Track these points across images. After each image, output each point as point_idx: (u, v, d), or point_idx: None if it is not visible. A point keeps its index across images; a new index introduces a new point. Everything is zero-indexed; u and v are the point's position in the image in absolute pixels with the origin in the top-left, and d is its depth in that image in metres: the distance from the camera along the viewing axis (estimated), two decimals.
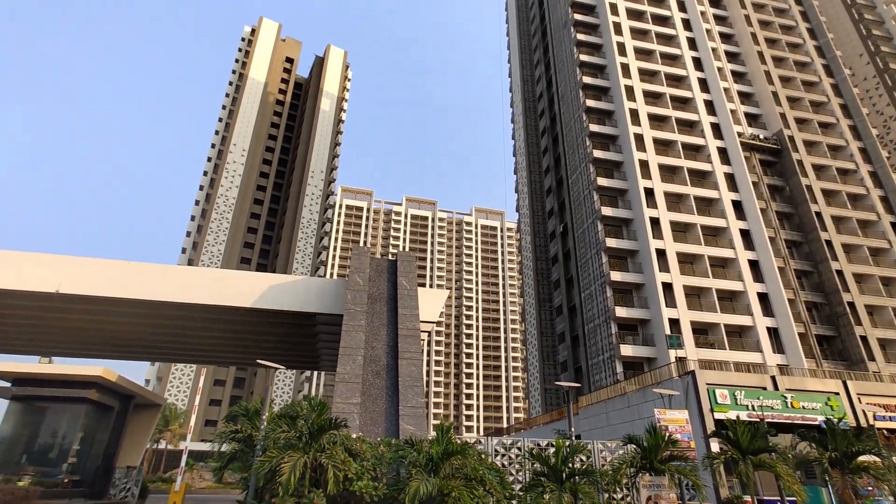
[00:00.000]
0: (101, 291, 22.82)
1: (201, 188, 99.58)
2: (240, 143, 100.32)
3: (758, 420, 17.24)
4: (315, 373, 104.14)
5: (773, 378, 21.68)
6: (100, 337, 28.96)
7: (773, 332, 41.06)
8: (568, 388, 18.32)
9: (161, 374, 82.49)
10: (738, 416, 18.25)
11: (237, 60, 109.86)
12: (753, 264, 43.49)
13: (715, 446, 17.11)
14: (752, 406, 19.70)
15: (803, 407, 20.26)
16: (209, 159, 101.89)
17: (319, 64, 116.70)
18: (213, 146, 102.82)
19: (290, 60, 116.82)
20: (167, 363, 74.47)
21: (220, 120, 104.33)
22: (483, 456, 13.41)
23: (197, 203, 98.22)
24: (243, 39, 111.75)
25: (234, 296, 23.98)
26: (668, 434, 12.95)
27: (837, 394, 21.25)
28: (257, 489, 11.64)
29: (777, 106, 53.03)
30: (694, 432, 18.84)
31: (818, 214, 47.02)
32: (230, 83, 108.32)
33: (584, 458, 17.79)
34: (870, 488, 14.45)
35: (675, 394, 16.81)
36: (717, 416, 19.44)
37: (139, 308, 25.00)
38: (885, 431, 20.19)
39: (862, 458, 13.20)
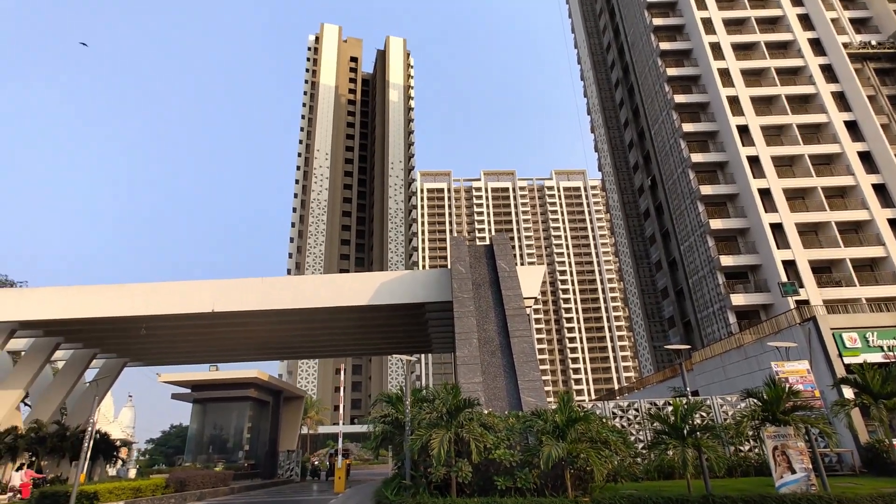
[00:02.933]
0: (245, 306, 26.81)
1: (295, 196, 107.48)
2: (322, 147, 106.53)
3: (892, 361, 16.45)
4: (422, 356, 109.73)
5: None
6: (247, 343, 33.81)
7: None
8: (681, 346, 18.70)
9: (290, 368, 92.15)
10: (865, 360, 17.53)
11: (307, 70, 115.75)
12: (879, 188, 39.10)
13: (849, 393, 16.72)
14: (890, 346, 18.65)
15: None
16: (298, 168, 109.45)
17: (382, 57, 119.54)
18: (299, 155, 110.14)
19: (354, 59, 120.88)
20: (295, 359, 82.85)
21: (302, 129, 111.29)
22: (603, 420, 14.53)
23: (294, 210, 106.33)
24: (309, 48, 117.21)
25: (351, 296, 26.89)
26: (788, 385, 13.13)
27: None
28: (413, 461, 13.81)
29: (890, 2, 46.18)
30: (821, 380, 18.39)
31: None
32: (305, 93, 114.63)
33: (704, 413, 18.25)
34: None
35: (791, 345, 16.54)
36: (848, 360, 18.67)
37: (275, 316, 28.89)
38: None
39: None
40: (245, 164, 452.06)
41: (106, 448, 32.92)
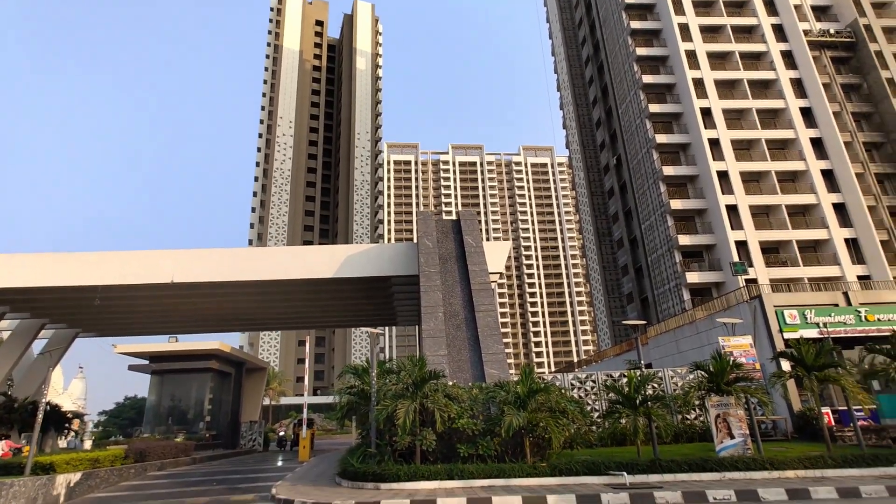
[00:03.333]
0: (206, 277, 26.14)
1: (257, 164, 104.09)
2: (286, 115, 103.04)
3: (825, 336, 17.74)
4: (387, 328, 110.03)
5: (845, 294, 21.66)
6: (208, 314, 33.08)
7: (852, 243, 39.34)
8: (638, 321, 19.53)
9: (252, 340, 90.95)
10: (802, 335, 18.85)
11: (269, 32, 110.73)
12: (827, 174, 41.16)
13: (786, 365, 17.91)
14: (824, 324, 20.05)
15: (878, 319, 20.33)
16: (260, 135, 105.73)
17: (349, 22, 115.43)
18: (261, 122, 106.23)
19: (319, 23, 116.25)
20: (257, 331, 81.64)
21: (264, 95, 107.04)
22: (562, 391, 15.17)
23: (256, 179, 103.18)
24: (272, 9, 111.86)
25: (316, 269, 26.61)
26: (732, 359, 14.03)
27: None
28: (378, 431, 14.10)
29: None
30: (764, 354, 19.68)
31: None
32: (267, 56, 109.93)
33: (655, 385, 19.27)
34: None
35: (737, 321, 17.60)
36: (788, 335, 20.00)
37: (237, 287, 28.32)
38: None
39: None
40: (206, 130, 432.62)
41: (57, 420, 31.84)
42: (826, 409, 18.13)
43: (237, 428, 34.99)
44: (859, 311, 20.48)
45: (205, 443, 28.66)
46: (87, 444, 22.59)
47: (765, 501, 10.38)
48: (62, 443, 34.85)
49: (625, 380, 16.04)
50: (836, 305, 21.14)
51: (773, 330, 20.12)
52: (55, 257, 25.64)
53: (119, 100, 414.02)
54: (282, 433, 37.27)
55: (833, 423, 17.66)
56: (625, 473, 11.91)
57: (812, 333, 19.77)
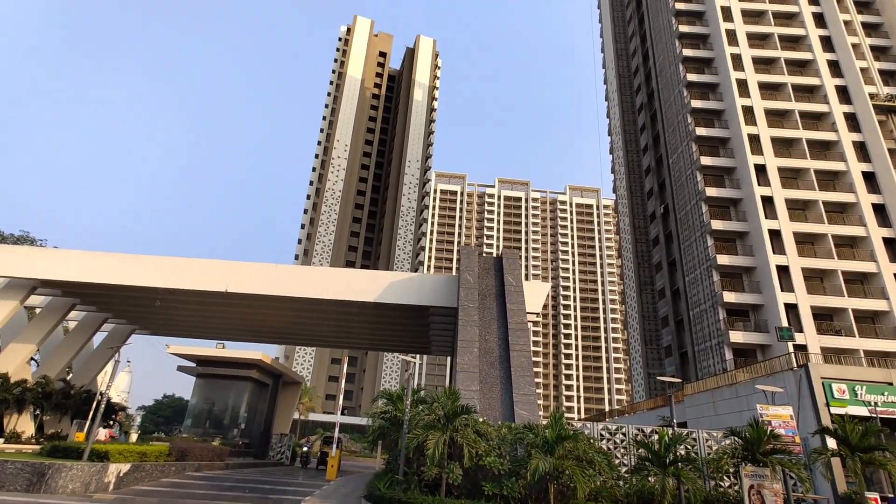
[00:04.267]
0: (257, 290, 27.71)
1: (311, 183, 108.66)
2: (342, 138, 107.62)
3: (873, 416, 16.96)
4: (418, 356, 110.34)
5: None
6: (253, 324, 34.74)
7: None
8: (673, 378, 19.31)
9: (287, 352, 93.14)
10: (849, 412, 18.09)
11: (335, 60, 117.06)
12: (890, 242, 39.42)
13: (832, 443, 17.23)
14: (876, 402, 19.14)
15: None
16: (316, 156, 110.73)
17: (410, 55, 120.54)
18: (318, 143, 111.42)
19: (382, 54, 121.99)
20: (296, 345, 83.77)
21: (324, 118, 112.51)
22: (591, 440, 15.21)
23: (308, 198, 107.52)
24: (340, 39, 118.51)
25: (360, 292, 27.71)
26: (770, 429, 13.75)
27: None
28: (407, 459, 14.57)
29: None
30: (807, 427, 18.92)
31: None
32: (331, 83, 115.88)
33: (688, 446, 18.85)
34: None
35: (777, 390, 17.11)
36: (834, 410, 19.18)
37: (284, 302, 29.78)
38: None
39: None
40: (269, 147, 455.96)
41: (106, 411, 34.01)
42: (874, 495, 17.21)
43: (268, 439, 36.05)
44: None
45: (237, 449, 29.73)
46: (133, 437, 24.04)
47: None
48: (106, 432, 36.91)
49: (656, 437, 15.88)
50: (891, 384, 20.15)
51: (819, 403, 19.36)
52: (125, 258, 27.89)
53: (193, 116, 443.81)
54: (305, 449, 36.44)
55: None
56: None
57: (861, 411, 18.89)
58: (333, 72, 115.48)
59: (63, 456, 15.51)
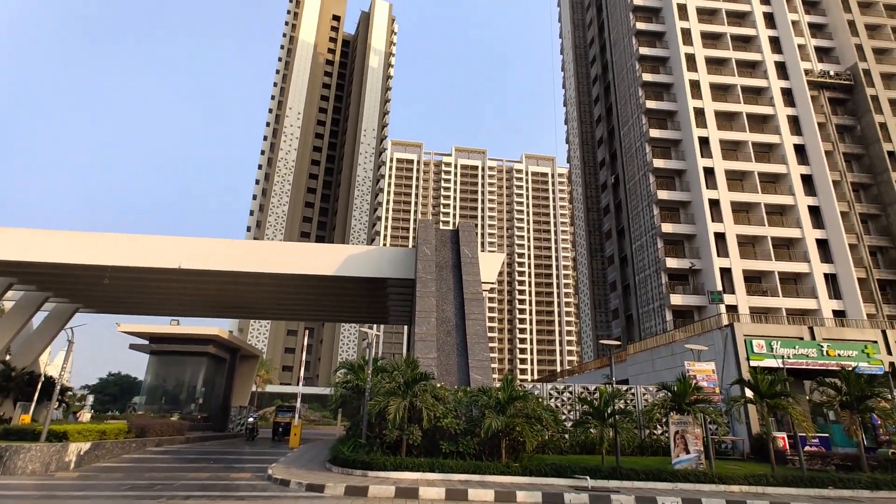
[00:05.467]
0: (212, 265, 27.32)
1: (262, 153, 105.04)
2: (295, 105, 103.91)
3: (780, 367, 19.12)
4: (376, 326, 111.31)
5: (810, 328, 23.12)
6: (208, 300, 34.26)
7: (831, 279, 40.96)
8: (614, 341, 20.88)
9: (242, 325, 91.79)
10: (767, 364, 20.29)
11: (286, 23, 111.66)
12: (814, 210, 42.80)
13: (749, 392, 19.25)
14: (788, 355, 21.48)
15: (839, 355, 21.79)
16: (268, 124, 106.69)
17: (366, 20, 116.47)
18: (270, 111, 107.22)
19: (336, 18, 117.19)
20: (253, 319, 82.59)
21: (276, 84, 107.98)
22: (539, 399, 16.50)
23: (260, 167, 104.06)
24: (291, 0, 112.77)
25: (319, 265, 27.87)
26: (695, 382, 15.41)
27: (875, 342, 22.52)
28: (369, 423, 15.39)
29: (853, 36, 49.40)
30: (730, 379, 21.09)
31: (891, 154, 44.82)
32: (282, 47, 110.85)
33: (627, 400, 20.67)
34: (879, 423, 16.64)
35: (703, 348, 18.99)
36: (754, 363, 21.42)
37: (240, 277, 29.52)
38: None
39: (870, 401, 15.17)
40: (216, 114, 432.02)
41: (51, 391, 33.09)
42: (782, 434, 19.59)
43: (227, 412, 36.20)
44: (822, 346, 21.96)
45: (196, 424, 29.81)
46: (86, 417, 23.71)
47: None
48: (57, 413, 35.96)
49: (598, 394, 17.39)
50: (801, 339, 22.61)
51: (741, 357, 21.56)
52: (70, 235, 26.73)
53: (132, 80, 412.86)
54: (252, 419, 31.76)
55: (787, 448, 19.10)
56: (588, 478, 13.25)
57: (777, 363, 21.19)
58: (284, 35, 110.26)
59: (17, 438, 15.37)
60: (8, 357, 34.20)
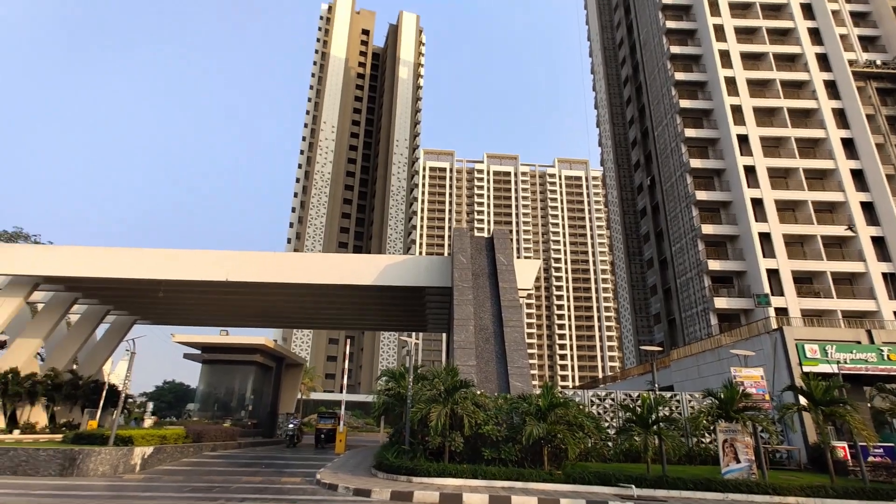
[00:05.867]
0: (257, 277, 28.53)
1: (300, 166, 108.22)
2: (329, 119, 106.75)
3: (836, 373, 18.31)
4: (415, 334, 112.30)
5: (868, 332, 22.05)
6: (253, 311, 35.68)
7: (890, 278, 38.81)
8: (656, 347, 20.55)
9: (286, 335, 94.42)
10: (821, 370, 19.53)
11: (318, 40, 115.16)
12: (867, 206, 40.74)
13: (803, 399, 18.60)
14: (845, 360, 20.59)
15: None
16: (304, 138, 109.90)
17: (394, 32, 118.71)
18: (305, 126, 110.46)
19: (365, 32, 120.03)
20: (296, 328, 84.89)
21: (310, 100, 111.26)
22: (581, 406, 16.47)
23: (298, 181, 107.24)
24: (321, 18, 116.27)
25: (358, 275, 28.65)
26: (742, 388, 15.04)
27: None
28: (412, 430, 15.75)
29: None
30: (781, 385, 20.36)
31: None
32: (314, 63, 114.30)
33: (672, 407, 20.28)
34: None
35: (749, 353, 18.44)
36: (807, 369, 20.61)
37: (283, 288, 30.67)
38: None
39: None
40: (255, 132, 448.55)
41: (116, 399, 35.11)
42: (842, 444, 18.74)
43: (275, 418, 37.48)
44: (881, 350, 20.92)
45: (247, 430, 31.01)
46: (148, 423, 25.13)
47: None
48: (120, 420, 38.12)
49: (640, 400, 17.18)
50: (859, 343, 21.59)
51: (792, 363, 20.80)
52: (126, 252, 28.48)
53: (175, 101, 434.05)
54: (292, 426, 31.14)
55: (848, 458, 18.25)
56: (633, 486, 13.15)
57: (832, 369, 20.33)
58: (316, 52, 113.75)
59: (87, 443, 16.52)
60: (75, 367, 36.56)
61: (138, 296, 32.61)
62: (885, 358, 20.89)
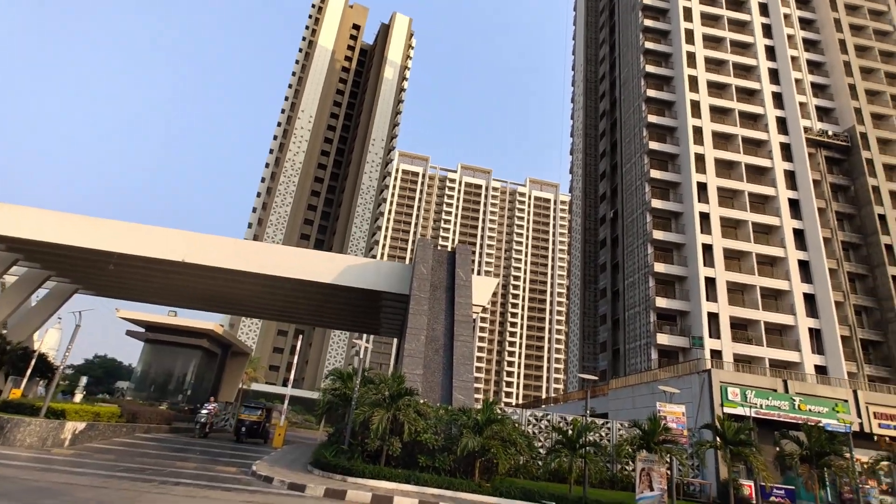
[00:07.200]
0: (215, 262, 28.17)
1: (271, 151, 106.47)
2: (307, 109, 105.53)
3: (754, 417, 19.92)
4: (365, 337, 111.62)
5: (784, 381, 24.00)
6: (207, 294, 34.99)
7: (815, 333, 41.85)
8: (592, 375, 21.64)
9: (233, 321, 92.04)
10: (737, 413, 21.13)
11: (307, 27, 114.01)
12: (804, 264, 43.85)
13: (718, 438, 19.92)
14: (761, 405, 22.30)
15: (810, 410, 22.60)
16: (279, 124, 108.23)
17: (385, 31, 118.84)
18: (282, 111, 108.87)
19: (356, 27, 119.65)
20: (246, 317, 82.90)
21: (290, 86, 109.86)
22: (517, 424, 17.27)
23: (267, 166, 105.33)
24: (313, 6, 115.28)
25: (317, 272, 28.73)
26: (664, 423, 16.22)
27: (846, 401, 23.35)
28: (353, 431, 16.11)
29: (853, 100, 51.12)
30: (703, 423, 21.85)
31: (882, 217, 46.11)
32: (300, 49, 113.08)
33: (602, 434, 21.40)
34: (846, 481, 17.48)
35: (675, 391, 19.81)
36: (728, 410, 22.24)
37: (240, 276, 30.32)
38: (887, 438, 22.28)
39: (829, 457, 15.96)
40: (227, 112, 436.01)
41: (45, 369, 33.62)
42: (749, 483, 20.30)
43: None
44: (794, 400, 22.78)
45: (182, 415, 30.32)
46: (78, 398, 24.28)
47: None
48: (41, 390, 36.42)
49: (572, 425, 18.14)
50: (775, 391, 23.43)
51: (715, 403, 22.36)
52: (78, 219, 27.56)
53: (147, 75, 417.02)
54: (204, 411, 26.67)
55: (753, 496, 19.78)
56: None
57: (751, 413, 21.97)
58: (304, 39, 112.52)
59: (15, 412, 16.00)
60: (4, 331, 34.76)
61: (86, 265, 31.50)
62: (796, 407, 22.75)
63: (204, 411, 26.04)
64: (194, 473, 13.67)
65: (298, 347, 33.14)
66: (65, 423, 15.73)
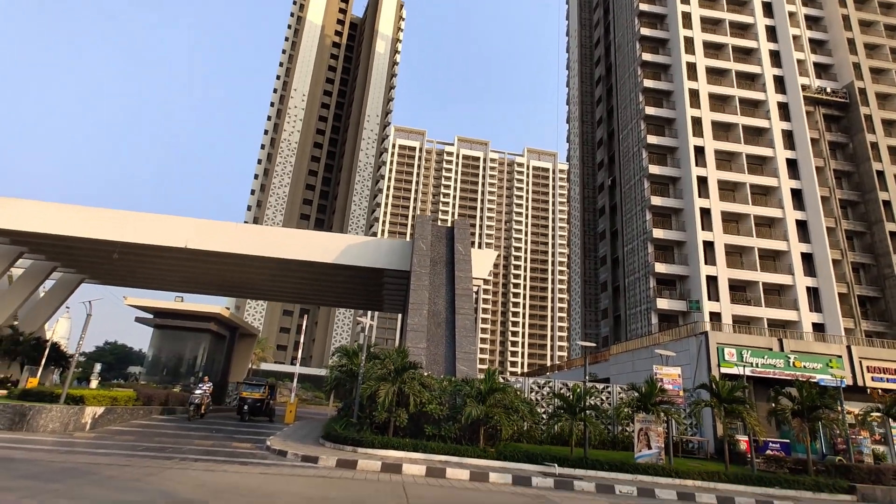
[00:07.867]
0: (217, 247, 28.50)
1: (266, 132, 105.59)
2: (300, 87, 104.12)
3: (751, 376, 20.56)
4: (370, 314, 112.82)
5: (780, 340, 24.58)
6: (212, 279, 35.45)
7: (813, 292, 42.35)
8: (590, 343, 22.22)
9: (239, 303, 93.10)
10: (734, 372, 21.78)
11: (294, 2, 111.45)
12: (802, 224, 44.08)
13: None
14: (757, 364, 22.93)
15: (805, 367, 23.24)
16: (272, 104, 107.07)
17: (374, 4, 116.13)
18: (275, 91, 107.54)
19: (345, 0, 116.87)
20: (252, 299, 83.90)
21: (281, 65, 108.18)
22: (519, 392, 17.91)
23: (262, 147, 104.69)
24: None
25: (319, 252, 29.10)
26: (661, 384, 16.82)
27: (840, 357, 23.99)
28: (360, 405, 16.76)
29: (852, 55, 50.34)
30: (699, 384, 22.52)
31: (880, 174, 46.09)
32: (289, 26, 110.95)
33: (603, 398, 22.12)
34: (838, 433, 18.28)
35: (671, 354, 20.41)
36: (725, 370, 22.90)
37: (243, 259, 30.73)
38: (879, 390, 22.99)
39: (819, 411, 16.61)
40: (221, 93, 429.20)
41: (58, 358, 34.53)
42: (745, 438, 21.08)
43: (225, 387, 37.72)
44: (789, 357, 23.40)
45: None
46: (94, 384, 25.04)
47: (658, 498, 13.19)
48: (56, 377, 37.44)
49: (573, 390, 18.80)
50: (771, 350, 24.04)
51: (712, 364, 23.00)
52: (83, 210, 27.84)
53: (138, 61, 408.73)
54: (198, 391, 24.72)
55: (750, 450, 20.58)
56: (556, 465, 14.67)
57: (747, 371, 22.64)
58: (292, 15, 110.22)
59: (36, 400, 16.65)
60: (15, 322, 35.49)
61: (90, 255, 31.89)
62: (791, 364, 23.39)
63: (198, 392, 24.58)
64: (211, 450, 14.34)
65: (304, 327, 33.73)
66: (84, 408, 16.38)
